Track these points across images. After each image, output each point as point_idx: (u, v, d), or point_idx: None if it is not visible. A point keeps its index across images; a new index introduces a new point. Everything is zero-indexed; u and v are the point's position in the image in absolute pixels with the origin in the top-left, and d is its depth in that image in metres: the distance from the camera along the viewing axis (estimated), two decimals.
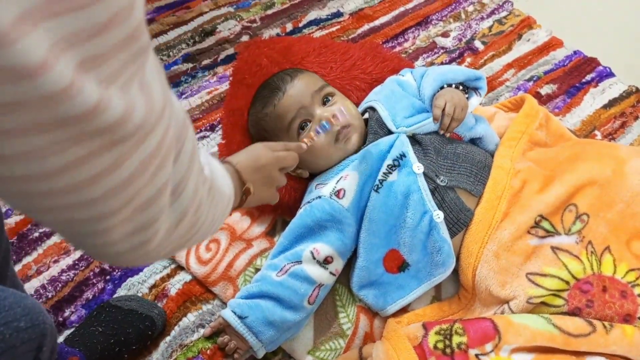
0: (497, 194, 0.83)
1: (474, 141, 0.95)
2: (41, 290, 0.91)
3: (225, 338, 0.82)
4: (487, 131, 0.93)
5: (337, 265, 0.84)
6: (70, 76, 0.27)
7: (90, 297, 0.91)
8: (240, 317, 0.79)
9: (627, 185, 0.81)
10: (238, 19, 1.39)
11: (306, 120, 0.87)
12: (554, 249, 0.78)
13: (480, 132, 0.93)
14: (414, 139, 0.87)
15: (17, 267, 0.94)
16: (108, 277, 0.93)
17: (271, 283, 0.81)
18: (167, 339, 0.86)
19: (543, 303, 0.77)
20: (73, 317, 0.89)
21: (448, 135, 0.88)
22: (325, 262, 0.82)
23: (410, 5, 1.43)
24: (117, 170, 0.33)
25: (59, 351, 0.73)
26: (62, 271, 0.94)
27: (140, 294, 0.90)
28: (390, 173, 0.83)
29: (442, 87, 0.90)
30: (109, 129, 0.30)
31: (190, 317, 0.88)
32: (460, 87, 0.91)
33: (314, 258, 0.82)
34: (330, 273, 0.83)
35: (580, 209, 0.80)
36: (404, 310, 0.86)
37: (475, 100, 0.93)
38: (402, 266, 0.85)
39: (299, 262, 0.82)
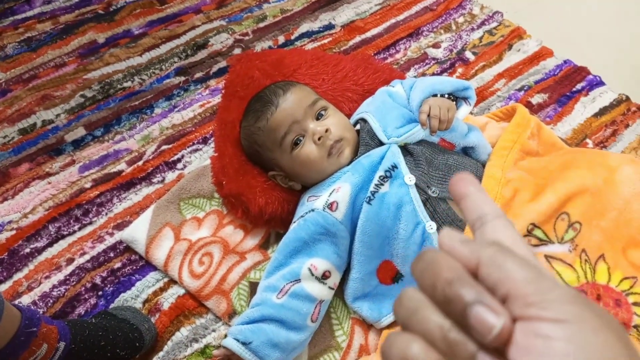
0: None
1: (466, 152, 0.95)
2: (32, 307, 0.90)
3: None
4: (480, 140, 0.94)
5: (335, 279, 0.84)
6: None
7: (82, 313, 0.90)
8: (244, 344, 0.77)
9: (618, 192, 0.81)
10: (230, 32, 1.40)
11: (300, 135, 0.87)
12: (548, 257, 0.78)
13: (473, 141, 0.93)
14: (405, 150, 0.87)
15: (8, 284, 0.94)
16: (100, 293, 0.92)
17: (272, 306, 0.79)
18: (160, 354, 0.85)
19: None
20: None
21: (434, 134, 0.87)
22: (324, 277, 0.82)
23: (401, 17, 1.44)
24: None
25: (30, 317, 0.69)
26: (54, 287, 0.93)
27: None
28: (382, 184, 0.83)
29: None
30: None
31: (184, 332, 0.87)
32: (451, 97, 0.92)
33: (312, 274, 0.81)
34: (329, 287, 0.83)
35: (572, 217, 0.80)
36: None
37: (465, 109, 0.93)
38: (396, 277, 0.85)
39: (298, 280, 0.81)
